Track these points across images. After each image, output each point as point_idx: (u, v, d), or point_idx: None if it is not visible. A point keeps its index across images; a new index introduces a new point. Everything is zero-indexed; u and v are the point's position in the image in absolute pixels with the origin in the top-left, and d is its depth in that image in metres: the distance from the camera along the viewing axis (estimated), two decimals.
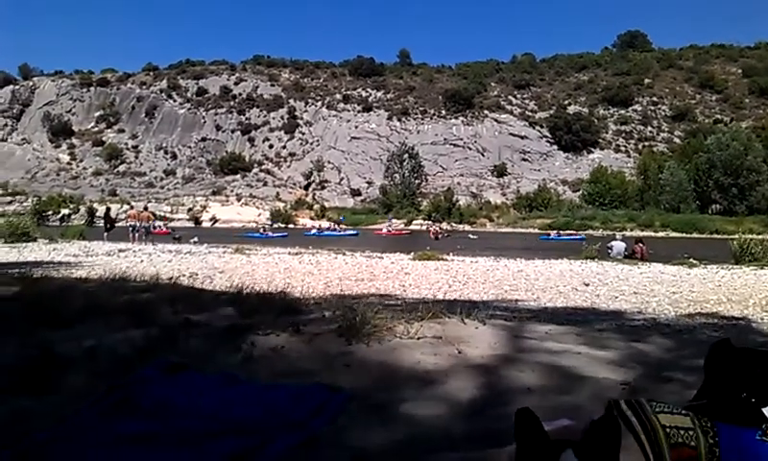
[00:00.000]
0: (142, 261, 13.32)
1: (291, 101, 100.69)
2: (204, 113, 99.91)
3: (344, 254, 16.39)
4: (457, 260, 15.68)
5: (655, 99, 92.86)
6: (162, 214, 60.43)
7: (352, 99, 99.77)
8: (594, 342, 3.43)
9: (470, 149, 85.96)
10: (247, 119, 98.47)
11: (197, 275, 10.23)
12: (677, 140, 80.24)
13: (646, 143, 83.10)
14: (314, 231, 43.98)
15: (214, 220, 62.70)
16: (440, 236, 38.31)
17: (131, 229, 23.95)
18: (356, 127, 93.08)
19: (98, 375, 2.54)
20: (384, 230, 46.56)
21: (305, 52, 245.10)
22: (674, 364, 2.95)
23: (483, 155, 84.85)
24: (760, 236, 20.84)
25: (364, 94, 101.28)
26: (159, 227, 40.57)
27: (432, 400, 2.33)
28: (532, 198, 67.37)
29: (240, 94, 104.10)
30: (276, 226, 56.10)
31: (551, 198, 67.22)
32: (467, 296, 8.30)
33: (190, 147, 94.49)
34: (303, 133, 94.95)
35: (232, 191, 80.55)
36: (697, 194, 57.64)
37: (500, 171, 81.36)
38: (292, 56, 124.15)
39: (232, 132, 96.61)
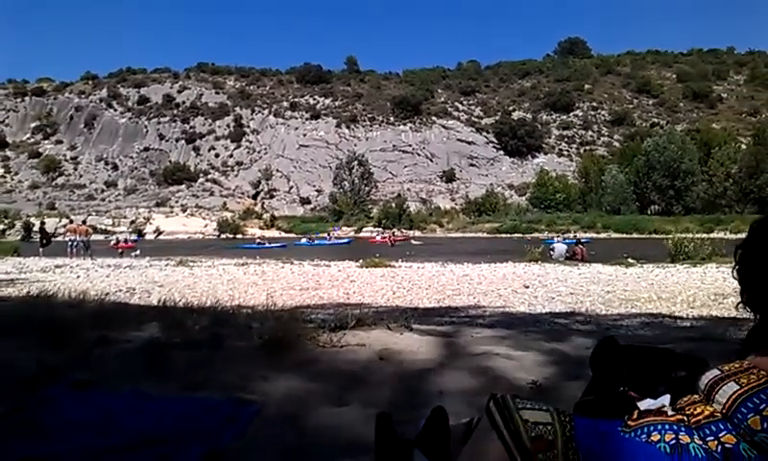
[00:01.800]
0: (78, 277, 12.82)
1: (237, 109, 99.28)
2: (146, 123, 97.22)
3: (291, 263, 16.24)
4: (405, 266, 15.80)
5: (595, 104, 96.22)
6: (104, 227, 58.36)
7: (300, 106, 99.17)
8: (518, 344, 3.52)
9: (419, 155, 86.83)
10: (191, 128, 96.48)
11: (134, 290, 9.94)
12: (616, 144, 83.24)
13: (587, 147, 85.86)
14: (304, 241, 43.17)
15: (158, 232, 60.99)
16: (395, 243, 38.41)
17: (69, 243, 23.03)
18: (304, 135, 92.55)
19: (2, 396, 2.44)
20: (378, 238, 45.56)
21: (251, 59, 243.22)
22: (587, 363, 3.06)
23: (432, 161, 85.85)
24: (696, 235, 21.87)
25: (312, 101, 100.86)
26: (126, 239, 39.41)
27: (345, 408, 2.34)
28: (480, 203, 68.49)
29: (184, 102, 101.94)
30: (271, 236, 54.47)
31: (498, 202, 68.56)
32: (409, 302, 8.37)
33: (132, 157, 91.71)
34: (251, 142, 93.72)
35: (177, 202, 78.72)
36: (637, 196, 59.87)
37: (449, 176, 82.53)
38: (237, 63, 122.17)
39: (176, 141, 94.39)
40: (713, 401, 1.22)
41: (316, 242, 42.08)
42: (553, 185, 65.14)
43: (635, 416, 1.31)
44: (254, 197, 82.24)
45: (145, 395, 2.48)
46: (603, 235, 49.02)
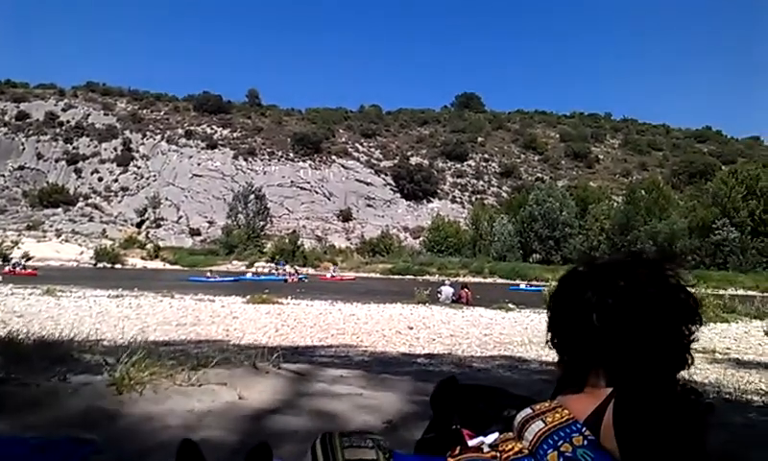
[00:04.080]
0: None
1: (127, 132, 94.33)
2: (23, 139, 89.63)
3: (171, 296, 15.45)
4: (293, 304, 15.59)
5: (486, 156, 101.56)
6: None
7: (196, 135, 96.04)
8: (385, 384, 3.55)
9: (317, 192, 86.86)
10: (74, 148, 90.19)
11: None
12: (504, 195, 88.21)
13: (479, 196, 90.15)
14: (249, 275, 41.26)
15: (27, 257, 55.61)
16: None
17: None
18: (199, 164, 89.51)
19: None
20: (328, 275, 45.05)
21: (146, 82, 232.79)
22: None
23: (329, 199, 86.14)
24: None
25: (209, 131, 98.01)
26: (21, 266, 37.30)
27: None
28: (375, 243, 69.37)
29: (68, 121, 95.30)
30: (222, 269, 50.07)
31: (393, 243, 69.81)
32: (291, 340, 8.23)
33: (4, 176, 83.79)
34: (139, 167, 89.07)
35: (51, 226, 72.68)
36: (521, 244, 63.48)
37: (345, 216, 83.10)
38: (131, 85, 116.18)
39: (56, 161, 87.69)
40: (523, 438, 1.29)
41: (262, 277, 40.65)
42: (446, 230, 67.47)
43: (456, 452, 1.35)
44: (139, 225, 77.80)
45: None
46: (489, 280, 51.25)
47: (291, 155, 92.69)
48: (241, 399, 2.90)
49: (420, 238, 71.81)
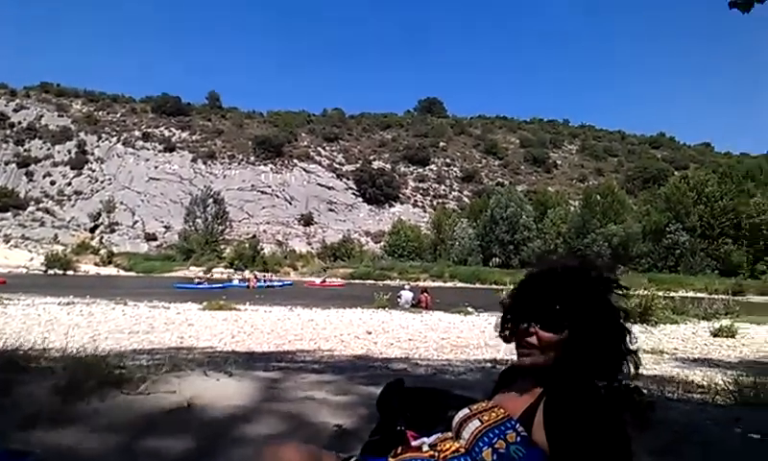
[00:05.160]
0: None
1: (81, 134, 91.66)
2: None
3: (125, 304, 15.05)
4: (251, 310, 15.39)
5: (448, 161, 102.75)
6: None
7: (153, 137, 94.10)
8: (339, 389, 3.55)
9: (278, 197, 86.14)
10: (26, 151, 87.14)
11: None
12: (466, 199, 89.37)
13: (440, 200, 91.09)
14: (236, 282, 39.68)
15: None
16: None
17: None
18: (156, 167, 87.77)
19: None
20: (318, 282, 44.07)
21: (102, 84, 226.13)
22: None
23: (290, 203, 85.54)
24: None
25: (167, 133, 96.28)
26: None
27: (136, 457, 2.18)
28: (336, 247, 69.25)
29: (20, 123, 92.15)
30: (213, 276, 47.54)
31: (354, 248, 69.79)
32: (247, 346, 8.14)
33: None
34: (93, 170, 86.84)
35: (0, 231, 69.88)
36: (481, 248, 64.39)
37: (307, 220, 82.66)
38: (86, 86, 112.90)
39: (6, 164, 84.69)
40: (460, 438, 1.34)
41: (255, 284, 38.93)
42: (407, 235, 67.82)
43: (398, 451, 1.39)
44: (92, 230, 75.60)
45: None
46: (450, 284, 51.69)
47: (252, 158, 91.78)
48: (190, 406, 2.86)
49: (382, 243, 71.98)
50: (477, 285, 51.31)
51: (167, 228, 75.95)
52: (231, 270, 52.40)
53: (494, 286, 45.46)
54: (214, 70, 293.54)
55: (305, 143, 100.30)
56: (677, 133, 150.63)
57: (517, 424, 1.27)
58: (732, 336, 11.75)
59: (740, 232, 56.40)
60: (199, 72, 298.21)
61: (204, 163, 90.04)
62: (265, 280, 42.30)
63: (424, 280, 46.91)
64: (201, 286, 33.74)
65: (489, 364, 6.56)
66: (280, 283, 42.44)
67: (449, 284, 52.11)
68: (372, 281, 48.46)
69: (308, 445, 1.42)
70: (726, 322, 13.29)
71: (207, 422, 2.68)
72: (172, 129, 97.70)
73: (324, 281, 45.03)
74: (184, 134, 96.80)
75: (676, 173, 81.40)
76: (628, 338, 1.39)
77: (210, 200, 69.32)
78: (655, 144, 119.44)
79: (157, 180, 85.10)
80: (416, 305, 19.50)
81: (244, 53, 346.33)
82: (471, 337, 10.20)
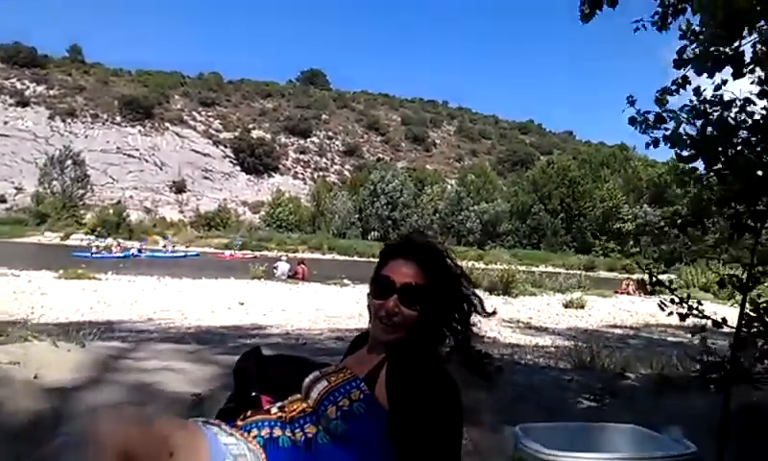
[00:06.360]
0: None
1: None
2: None
3: None
4: (113, 279, 14.43)
5: (330, 134, 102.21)
6: None
7: (4, 90, 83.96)
8: (200, 358, 3.43)
9: (147, 161, 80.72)
10: None
11: None
12: (347, 173, 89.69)
13: (321, 173, 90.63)
14: (134, 251, 35.27)
15: None
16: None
17: None
18: (6, 123, 78.52)
19: None
20: (228, 255, 40.41)
21: None
22: None
23: (161, 169, 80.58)
24: None
25: (20, 86, 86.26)
26: None
27: None
28: (211, 217, 66.75)
29: None
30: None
31: (231, 218, 67.72)
32: (106, 317, 7.61)
33: None
34: None
35: None
36: (360, 222, 65.32)
37: (179, 187, 78.42)
38: None
39: None
40: (309, 399, 1.38)
41: (159, 255, 35.81)
42: (287, 206, 66.97)
43: (248, 414, 1.39)
44: None
45: None
46: (328, 257, 51.91)
47: (118, 119, 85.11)
48: (37, 378, 2.62)
49: (260, 213, 70.45)
50: (355, 258, 52.02)
51: (18, 189, 68.51)
52: (92, 237, 48.39)
53: (372, 259, 46.27)
54: (76, 20, 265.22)
55: (178, 106, 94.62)
56: (544, 121, 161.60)
57: (362, 384, 1.33)
58: (582, 307, 13.00)
59: (594, 214, 62.29)
60: (57, 22, 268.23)
61: (63, 121, 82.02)
62: (166, 249, 39.77)
63: (303, 252, 46.60)
64: (97, 255, 30.21)
65: (358, 333, 6.71)
66: (183, 255, 39.32)
67: (328, 256, 52.28)
68: (249, 252, 47.27)
69: (140, 408, 1.36)
70: (577, 295, 14.67)
71: (56, 394, 2.46)
72: (25, 82, 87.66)
73: (232, 254, 42.10)
74: (40, 89, 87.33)
75: (542, 158, 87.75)
76: (472, 303, 1.48)
77: (69, 161, 63.25)
78: (524, 130, 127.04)
79: (7, 136, 76.16)
80: (292, 277, 19.40)
81: (112, 2, 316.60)
82: (345, 308, 10.36)
